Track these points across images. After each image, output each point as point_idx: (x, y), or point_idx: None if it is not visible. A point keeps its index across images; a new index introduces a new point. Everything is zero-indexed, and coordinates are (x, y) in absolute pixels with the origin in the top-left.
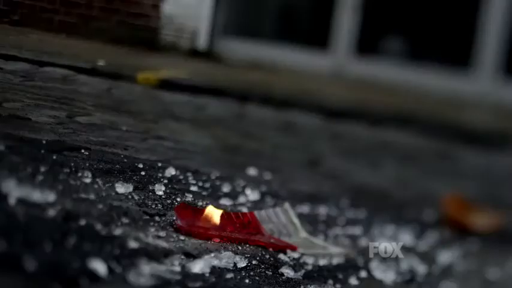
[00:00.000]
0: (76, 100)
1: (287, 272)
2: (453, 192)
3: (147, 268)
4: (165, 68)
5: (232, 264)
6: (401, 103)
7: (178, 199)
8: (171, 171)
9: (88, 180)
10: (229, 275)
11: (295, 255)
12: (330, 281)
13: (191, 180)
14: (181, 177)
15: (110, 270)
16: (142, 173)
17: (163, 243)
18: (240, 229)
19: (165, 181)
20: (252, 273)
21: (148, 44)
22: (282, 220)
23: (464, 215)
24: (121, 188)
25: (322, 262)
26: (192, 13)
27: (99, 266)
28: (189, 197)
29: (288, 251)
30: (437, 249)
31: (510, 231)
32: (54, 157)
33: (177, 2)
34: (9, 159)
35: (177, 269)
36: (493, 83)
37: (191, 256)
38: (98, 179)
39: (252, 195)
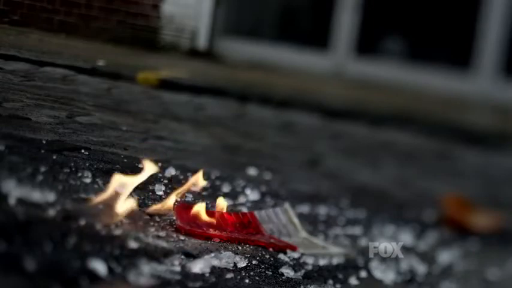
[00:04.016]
0: (76, 100)
1: (287, 272)
2: (453, 192)
3: (147, 268)
4: (165, 68)
5: (232, 264)
6: (401, 103)
7: (178, 199)
8: (171, 171)
9: (88, 180)
10: (229, 275)
11: (295, 255)
12: (330, 281)
13: None
14: (181, 177)
15: (110, 270)
16: None
17: (163, 243)
18: (240, 229)
19: (165, 181)
20: (252, 273)
21: (148, 44)
22: (282, 220)
23: (464, 215)
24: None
25: (322, 262)
26: (191, 13)
27: (99, 266)
28: (189, 197)
29: (288, 251)
30: (437, 249)
31: (510, 231)
32: (54, 157)
33: (177, 1)
34: (9, 159)
35: (177, 269)
36: (492, 83)
37: (191, 256)
38: (98, 179)
39: (252, 195)
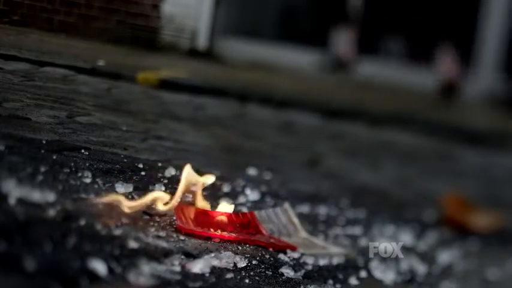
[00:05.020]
0: (76, 100)
1: (287, 272)
2: (453, 192)
3: (147, 268)
4: (165, 68)
5: (232, 264)
6: (401, 103)
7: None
8: (171, 171)
9: (88, 180)
10: (229, 275)
11: (295, 255)
12: (330, 281)
13: None
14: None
15: (110, 270)
16: (142, 173)
17: (163, 243)
18: (240, 229)
19: (165, 181)
20: (252, 273)
21: (148, 44)
22: (282, 220)
23: (464, 215)
24: (121, 188)
25: (322, 262)
26: (192, 13)
27: (99, 266)
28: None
29: (288, 251)
30: (437, 249)
31: (510, 231)
32: (54, 157)
33: (177, 2)
34: (9, 159)
35: (177, 269)
36: (493, 82)
37: (191, 256)
38: (98, 179)
39: (252, 195)
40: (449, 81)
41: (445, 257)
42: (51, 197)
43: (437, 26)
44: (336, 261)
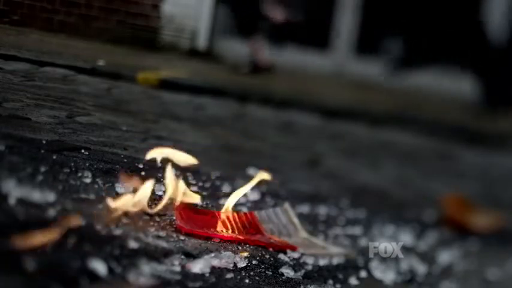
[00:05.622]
0: (76, 100)
1: (287, 272)
2: (453, 192)
3: (147, 268)
4: (165, 68)
5: (232, 264)
6: (401, 103)
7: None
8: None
9: (88, 180)
10: (229, 275)
11: (295, 255)
12: (330, 281)
13: (191, 180)
14: (181, 177)
15: (110, 270)
16: (142, 173)
17: (163, 243)
18: (240, 229)
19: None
20: (252, 273)
21: (148, 44)
22: (282, 220)
23: (464, 215)
24: (121, 188)
25: (322, 262)
26: (191, 13)
27: (99, 266)
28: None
29: (288, 251)
30: (437, 249)
31: (510, 231)
32: (54, 157)
33: (177, 2)
34: (9, 159)
35: (177, 269)
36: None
37: (191, 256)
38: (98, 179)
39: (252, 195)
40: None
41: (445, 257)
42: (51, 197)
43: (437, 25)
44: (336, 261)
